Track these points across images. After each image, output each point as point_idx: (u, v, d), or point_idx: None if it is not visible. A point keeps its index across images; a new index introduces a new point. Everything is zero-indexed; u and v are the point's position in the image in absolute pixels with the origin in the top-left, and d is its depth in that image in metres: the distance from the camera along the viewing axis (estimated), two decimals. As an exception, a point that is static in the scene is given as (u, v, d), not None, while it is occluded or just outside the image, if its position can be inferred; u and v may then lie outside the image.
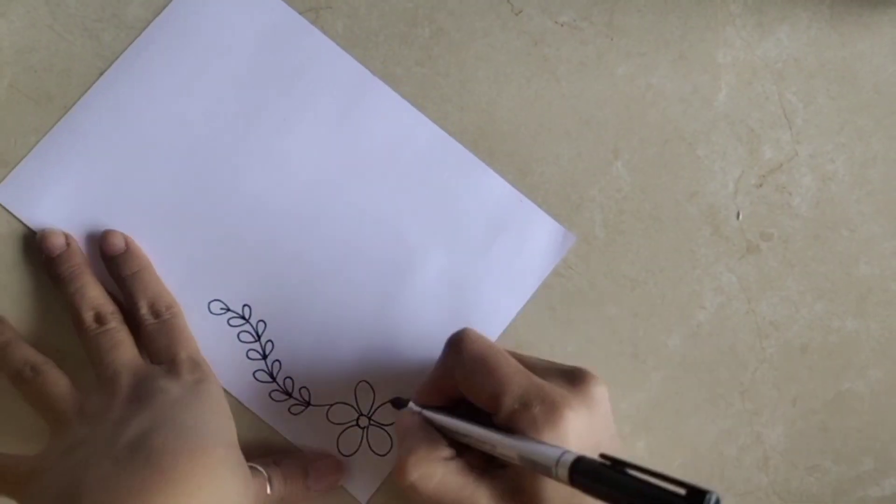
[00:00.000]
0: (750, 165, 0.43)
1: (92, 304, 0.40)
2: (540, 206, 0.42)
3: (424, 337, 0.42)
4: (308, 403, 0.42)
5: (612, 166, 0.43)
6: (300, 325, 0.42)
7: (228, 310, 0.42)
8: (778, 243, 0.42)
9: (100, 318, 0.40)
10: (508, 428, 0.33)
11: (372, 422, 0.41)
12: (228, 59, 0.42)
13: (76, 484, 0.32)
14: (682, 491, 0.26)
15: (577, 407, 0.33)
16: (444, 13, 0.43)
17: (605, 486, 0.27)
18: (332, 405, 0.42)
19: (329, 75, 0.42)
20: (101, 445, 0.34)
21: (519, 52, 0.43)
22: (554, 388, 0.34)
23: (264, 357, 0.42)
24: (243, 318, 0.42)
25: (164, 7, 0.42)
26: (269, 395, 0.41)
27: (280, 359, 0.42)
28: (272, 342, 0.42)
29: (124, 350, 0.39)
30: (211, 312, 0.42)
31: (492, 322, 0.42)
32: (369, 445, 0.41)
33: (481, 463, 0.35)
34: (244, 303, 0.42)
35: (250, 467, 0.37)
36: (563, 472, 0.29)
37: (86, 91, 0.42)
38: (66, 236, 0.41)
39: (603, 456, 0.29)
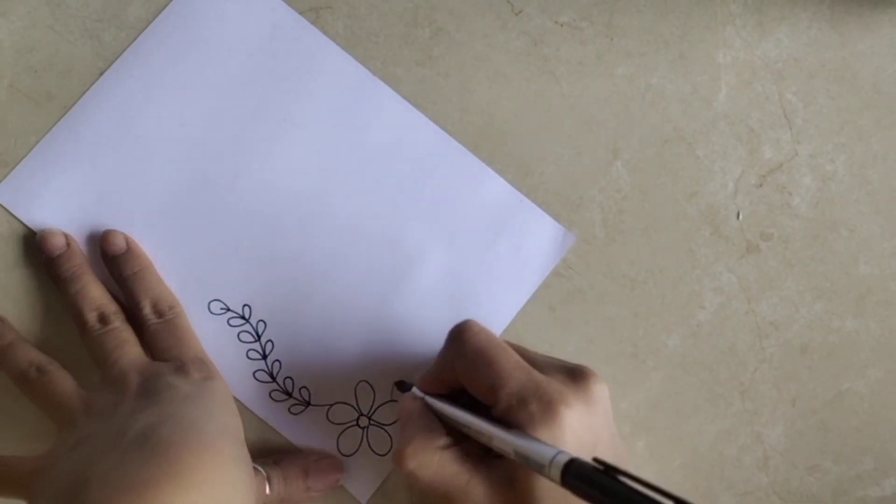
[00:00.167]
0: (750, 165, 0.43)
1: (94, 304, 0.40)
2: (540, 206, 0.42)
3: (424, 337, 0.42)
4: (308, 403, 0.42)
5: (612, 166, 0.43)
6: (300, 325, 0.42)
7: (228, 310, 0.42)
8: (778, 243, 0.42)
9: (103, 318, 0.40)
10: (506, 422, 0.33)
11: (372, 422, 0.42)
12: (228, 59, 0.42)
13: (84, 475, 0.32)
14: None
15: (574, 404, 0.33)
16: (445, 13, 0.43)
17: (596, 490, 0.28)
18: (332, 405, 0.42)
19: (329, 75, 0.42)
20: (110, 438, 0.34)
21: (519, 52, 0.43)
22: (552, 385, 0.34)
23: (264, 357, 0.42)
24: (243, 318, 0.42)
25: (165, 7, 0.42)
26: (269, 395, 0.41)
27: (280, 359, 0.42)
28: (272, 342, 0.42)
29: (130, 349, 0.39)
30: (211, 312, 0.42)
31: (492, 322, 0.42)
32: (369, 445, 0.41)
33: (479, 452, 0.35)
34: (244, 303, 0.42)
35: (251, 467, 0.37)
36: (556, 472, 0.29)
37: (86, 91, 0.42)
38: (66, 236, 0.41)
39: (596, 460, 0.29)
